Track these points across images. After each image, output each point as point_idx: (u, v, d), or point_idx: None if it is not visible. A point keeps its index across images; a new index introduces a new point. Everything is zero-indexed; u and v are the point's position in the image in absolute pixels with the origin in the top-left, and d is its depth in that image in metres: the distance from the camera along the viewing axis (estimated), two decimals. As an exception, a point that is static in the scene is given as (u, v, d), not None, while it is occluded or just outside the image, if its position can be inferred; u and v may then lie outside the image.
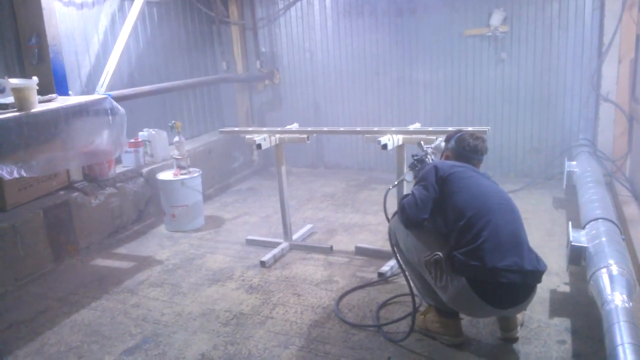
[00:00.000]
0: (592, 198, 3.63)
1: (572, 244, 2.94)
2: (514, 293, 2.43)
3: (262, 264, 3.73)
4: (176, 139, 4.54)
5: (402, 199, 2.77)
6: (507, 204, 2.57)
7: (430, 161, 2.90)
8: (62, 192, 4.10)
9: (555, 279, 3.26)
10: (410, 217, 2.61)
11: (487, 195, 2.55)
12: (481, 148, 2.76)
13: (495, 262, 2.36)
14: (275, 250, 3.87)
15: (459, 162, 2.75)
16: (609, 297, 2.37)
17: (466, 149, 2.75)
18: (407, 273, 2.79)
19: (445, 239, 2.54)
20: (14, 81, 3.42)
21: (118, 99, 4.12)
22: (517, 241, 2.46)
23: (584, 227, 3.19)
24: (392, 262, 3.47)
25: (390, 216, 2.93)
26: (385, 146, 3.30)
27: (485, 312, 2.52)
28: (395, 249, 2.83)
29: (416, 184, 2.70)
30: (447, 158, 2.85)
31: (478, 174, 2.66)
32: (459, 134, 2.84)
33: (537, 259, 2.49)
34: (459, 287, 2.42)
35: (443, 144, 2.96)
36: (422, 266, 2.58)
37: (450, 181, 2.57)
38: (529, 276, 2.42)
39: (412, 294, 2.72)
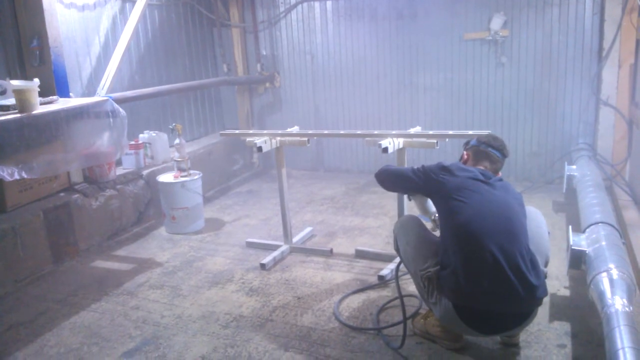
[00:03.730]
0: (592, 202, 3.63)
1: (572, 247, 2.93)
2: (501, 322, 2.40)
3: (262, 266, 3.73)
4: (177, 141, 4.55)
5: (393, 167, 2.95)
6: (504, 222, 2.41)
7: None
8: (62, 194, 4.10)
9: (555, 282, 3.26)
10: (380, 177, 2.94)
11: (480, 217, 2.41)
12: (494, 144, 2.74)
13: (476, 292, 2.32)
14: (275, 253, 3.87)
15: (471, 164, 2.74)
16: (609, 301, 2.36)
17: (480, 139, 2.79)
18: (411, 277, 2.79)
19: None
20: (16, 83, 3.42)
21: (119, 101, 4.12)
22: (502, 268, 2.31)
23: (584, 231, 3.19)
24: (392, 265, 3.47)
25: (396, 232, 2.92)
26: (386, 149, 3.31)
27: (474, 335, 2.51)
28: (396, 252, 2.85)
29: (419, 167, 2.73)
30: (464, 157, 2.84)
31: (480, 183, 2.53)
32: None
33: (531, 286, 2.33)
34: (446, 308, 2.42)
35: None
36: (418, 278, 2.59)
37: (446, 197, 2.53)
38: (517, 304, 2.34)
39: (401, 299, 2.74)
